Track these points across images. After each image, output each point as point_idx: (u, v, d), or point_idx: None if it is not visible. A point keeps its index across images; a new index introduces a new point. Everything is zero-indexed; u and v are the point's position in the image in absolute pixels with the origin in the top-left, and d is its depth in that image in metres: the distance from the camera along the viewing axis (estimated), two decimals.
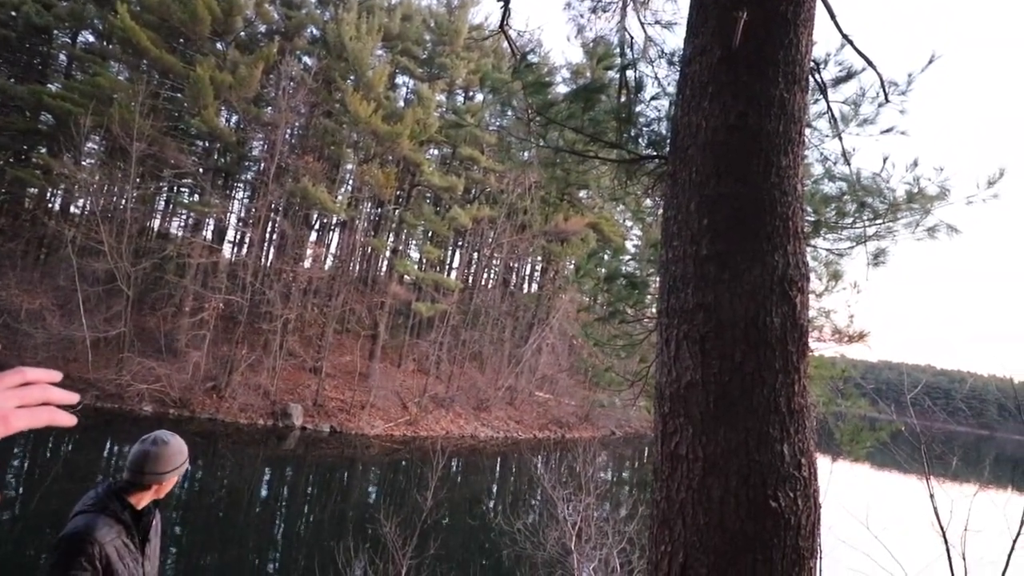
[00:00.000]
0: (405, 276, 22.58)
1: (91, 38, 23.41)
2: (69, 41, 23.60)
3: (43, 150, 20.75)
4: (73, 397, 0.72)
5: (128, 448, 2.17)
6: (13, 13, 22.46)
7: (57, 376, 0.71)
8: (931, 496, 4.00)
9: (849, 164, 6.18)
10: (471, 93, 24.93)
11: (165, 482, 2.21)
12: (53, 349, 17.32)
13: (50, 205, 21.93)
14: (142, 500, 2.20)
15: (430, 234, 23.25)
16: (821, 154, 5.65)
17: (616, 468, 11.42)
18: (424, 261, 23.48)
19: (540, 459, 9.84)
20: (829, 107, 4.87)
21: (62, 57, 23.67)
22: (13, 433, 0.65)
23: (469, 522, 12.00)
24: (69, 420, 0.70)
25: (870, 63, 4.50)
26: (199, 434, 15.36)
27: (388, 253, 23.77)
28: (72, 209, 22.00)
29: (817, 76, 4.77)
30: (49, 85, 22.96)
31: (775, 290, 2.12)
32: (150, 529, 2.23)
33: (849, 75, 5.19)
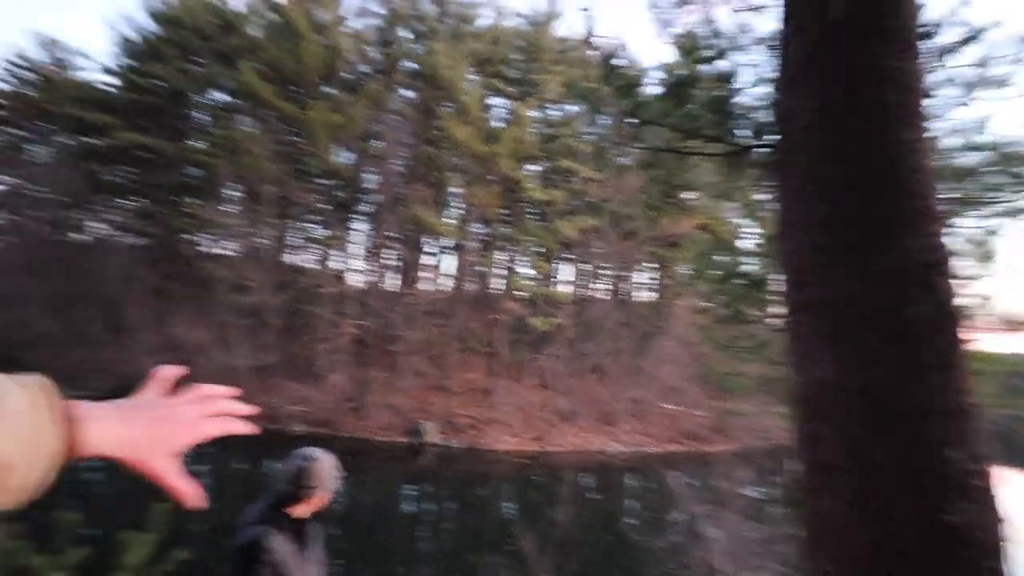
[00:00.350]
0: (518, 292, 23.29)
1: (222, 95, 25.82)
2: (204, 99, 26.16)
3: (193, 199, 23.24)
4: (250, 409, 0.79)
5: (283, 464, 2.44)
6: (157, 81, 25.25)
7: (234, 392, 0.79)
8: None
9: (985, 132, 5.46)
10: (563, 106, 25.32)
11: (318, 495, 2.41)
12: (218, 377, 19.32)
13: (203, 248, 24.47)
14: (300, 511, 2.43)
15: (538, 249, 23.83)
16: (952, 125, 5.26)
17: (761, 483, 11.11)
18: (534, 276, 24.10)
19: (675, 474, 10.00)
20: (951, 73, 4.58)
21: (198, 115, 26.27)
22: (203, 440, 0.71)
23: (607, 539, 12.31)
24: (249, 429, 0.77)
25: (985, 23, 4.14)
26: (344, 451, 16.59)
27: (499, 270, 24.60)
28: (220, 251, 24.45)
29: (931, 42, 4.44)
30: (192, 142, 25.63)
31: (913, 277, 1.91)
32: (309, 537, 2.49)
33: (970, 37, 4.69)
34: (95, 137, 24.65)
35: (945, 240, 1.98)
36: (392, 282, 23.97)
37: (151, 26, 26.40)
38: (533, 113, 24.44)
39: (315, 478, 2.40)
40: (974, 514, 1.78)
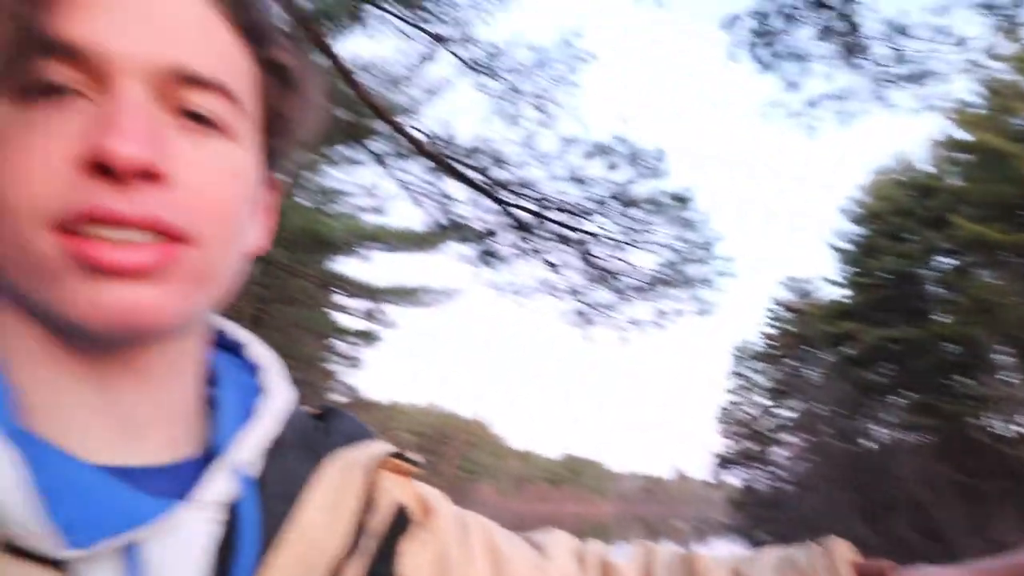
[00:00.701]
0: None
1: (948, 260, 24.37)
2: (930, 271, 25.19)
3: (962, 378, 21.44)
4: None
5: None
6: (881, 274, 26.02)
7: None
8: None
9: None
10: None
11: None
12: None
13: (997, 430, 21.70)
14: None
15: None
16: None
17: None
18: None
19: None
20: None
21: (932, 288, 25.26)
22: None
23: None
24: None
25: None
26: None
27: None
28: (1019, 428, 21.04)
29: None
30: (938, 316, 24.44)
31: None
32: None
33: None
34: (848, 346, 26.65)
35: None
36: None
37: (856, 228, 28.28)
38: None
39: None
40: None
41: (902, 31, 5.36)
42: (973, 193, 22.54)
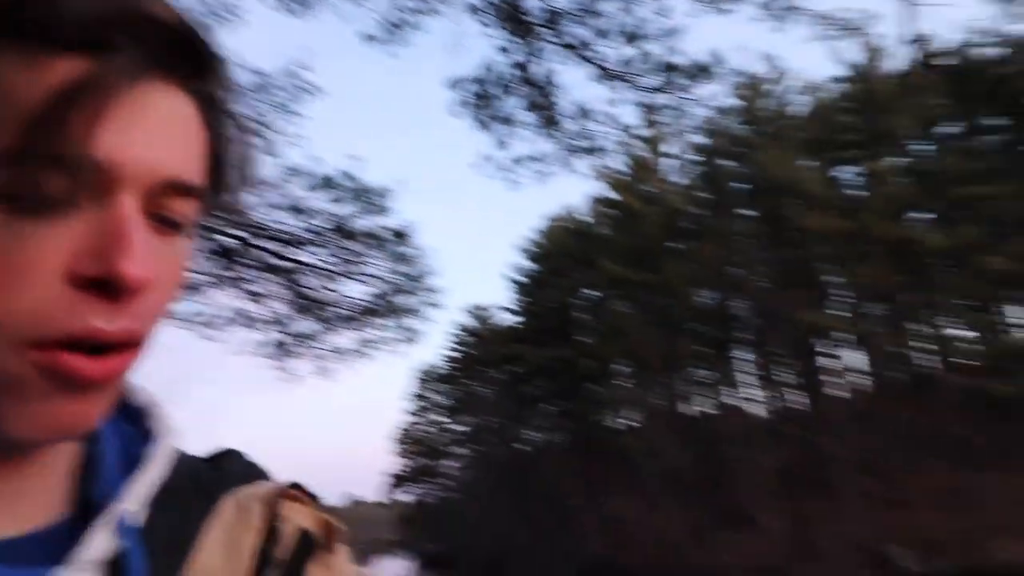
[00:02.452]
0: (959, 359, 18.19)
1: (594, 293, 29.16)
2: (581, 301, 29.83)
3: (594, 386, 25.48)
4: None
5: None
6: (547, 304, 30.13)
7: None
8: None
9: None
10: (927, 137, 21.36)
11: None
12: (653, 544, 19.10)
13: (613, 425, 26.02)
14: None
15: (965, 301, 18.81)
16: None
17: None
18: (977, 332, 18.71)
19: None
20: None
21: (579, 315, 29.76)
22: None
23: None
24: None
25: None
26: None
27: (923, 343, 19.88)
28: (627, 423, 25.52)
29: None
30: (583, 338, 29.06)
31: None
32: None
33: None
34: (516, 365, 29.97)
35: None
36: (797, 400, 21.33)
37: (531, 265, 32.53)
38: (897, 160, 21.27)
39: None
40: None
41: (584, 113, 6.85)
42: (616, 241, 27.62)
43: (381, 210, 8.52)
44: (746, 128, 24.44)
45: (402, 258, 8.86)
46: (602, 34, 6.21)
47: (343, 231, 8.37)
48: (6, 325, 0.36)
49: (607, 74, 6.41)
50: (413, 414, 33.65)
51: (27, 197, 0.36)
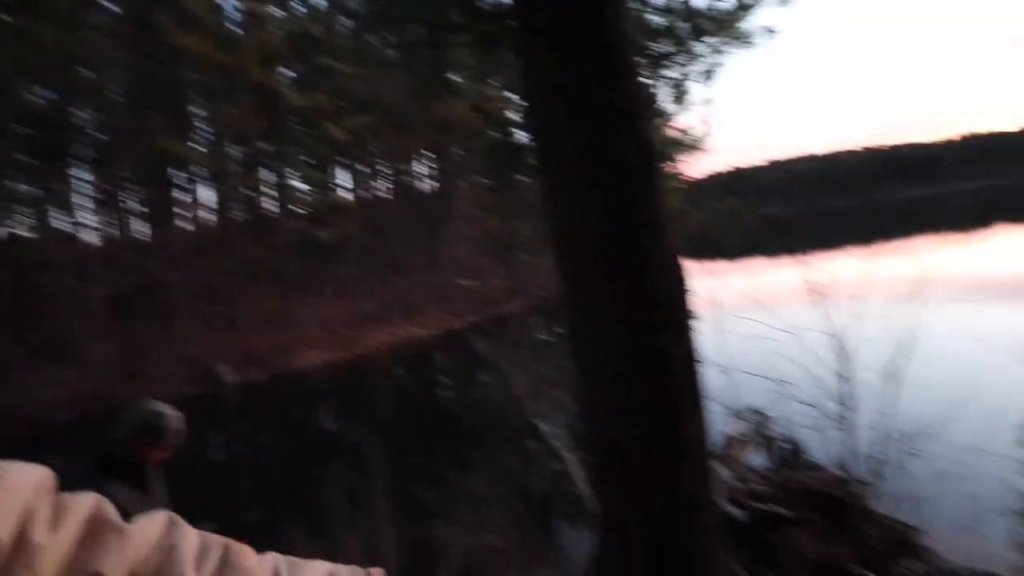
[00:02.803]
0: (296, 207, 21.35)
1: None
2: None
3: None
4: None
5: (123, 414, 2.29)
6: None
7: None
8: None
9: None
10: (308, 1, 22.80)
11: (161, 448, 2.24)
12: None
13: None
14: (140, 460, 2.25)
15: (308, 159, 21.85)
16: None
17: (552, 328, 12.05)
18: (310, 188, 22.19)
19: (479, 340, 9.80)
20: None
21: None
22: None
23: (427, 415, 12.08)
24: None
25: None
26: None
27: (270, 189, 22.29)
28: None
29: None
30: None
31: (618, 122, 2.27)
32: (150, 483, 2.32)
33: None
34: None
35: (645, 90, 2.55)
36: (143, 229, 20.68)
37: None
38: (275, 11, 21.70)
39: (160, 430, 2.23)
40: (677, 344, 2.35)
41: None
42: None
43: None
44: None
45: None
46: None
47: None
48: None
49: None
50: None
51: None
